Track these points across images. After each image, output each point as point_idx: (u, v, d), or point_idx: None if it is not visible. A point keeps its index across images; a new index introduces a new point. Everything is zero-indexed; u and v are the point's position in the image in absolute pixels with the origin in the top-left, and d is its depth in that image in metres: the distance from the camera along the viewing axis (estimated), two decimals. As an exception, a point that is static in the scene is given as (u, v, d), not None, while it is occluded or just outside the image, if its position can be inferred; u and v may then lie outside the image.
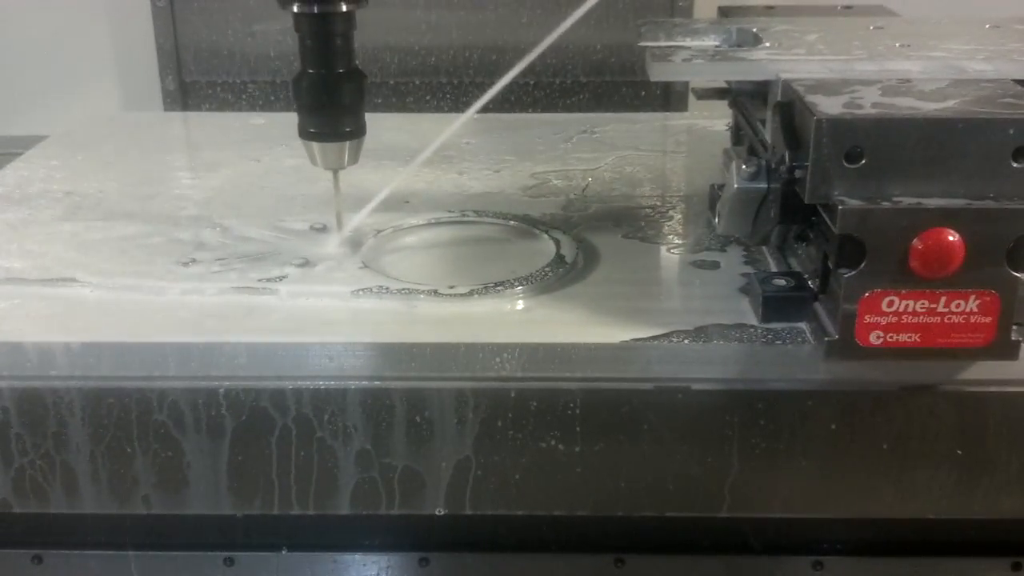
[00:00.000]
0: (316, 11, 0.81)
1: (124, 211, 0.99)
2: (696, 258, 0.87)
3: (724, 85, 0.92)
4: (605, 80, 1.72)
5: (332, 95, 0.84)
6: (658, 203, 1.00)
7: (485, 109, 0.84)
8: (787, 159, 0.69)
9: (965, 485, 0.75)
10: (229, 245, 0.90)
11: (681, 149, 1.22)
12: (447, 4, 1.66)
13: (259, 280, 0.83)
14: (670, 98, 1.73)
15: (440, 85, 1.68)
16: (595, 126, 1.26)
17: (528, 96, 1.67)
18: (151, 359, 0.74)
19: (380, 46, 1.67)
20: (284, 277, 0.83)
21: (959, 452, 0.74)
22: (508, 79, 0.83)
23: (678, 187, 1.06)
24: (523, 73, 0.80)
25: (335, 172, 0.88)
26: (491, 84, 0.84)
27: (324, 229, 0.93)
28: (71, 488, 0.76)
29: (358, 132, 0.86)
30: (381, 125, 0.99)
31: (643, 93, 1.73)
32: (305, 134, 0.86)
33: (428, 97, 1.70)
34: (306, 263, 0.86)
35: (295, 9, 0.82)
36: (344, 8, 0.82)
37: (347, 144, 0.86)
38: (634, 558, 0.84)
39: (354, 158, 0.87)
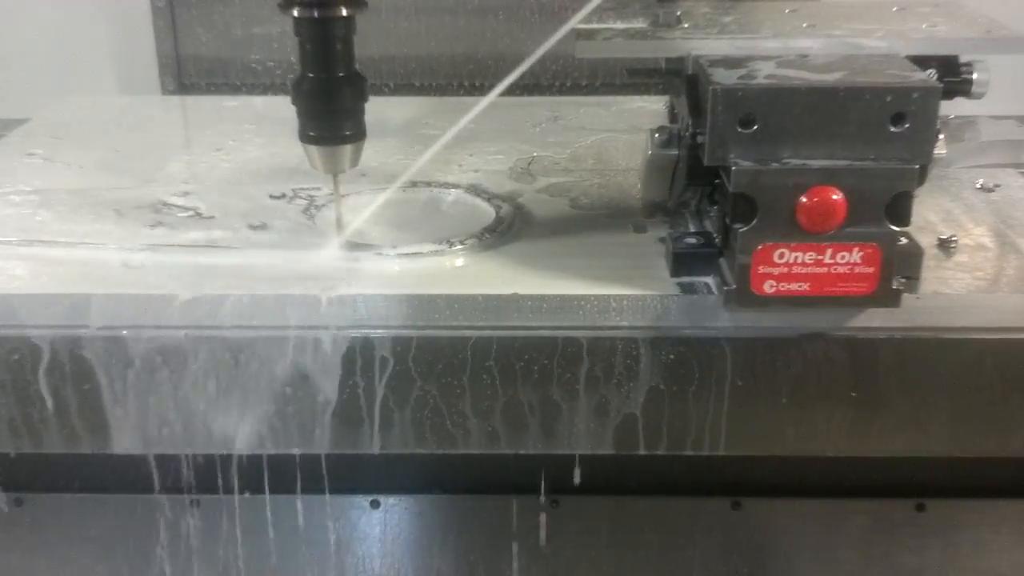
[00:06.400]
0: (316, 16, 0.81)
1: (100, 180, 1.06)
2: (627, 223, 0.94)
3: (653, 65, 0.99)
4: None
5: (332, 99, 0.84)
6: (600, 178, 1.07)
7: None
8: (690, 126, 0.76)
9: (861, 425, 0.82)
10: (191, 208, 0.98)
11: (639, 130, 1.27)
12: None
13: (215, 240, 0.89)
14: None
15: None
16: (560, 108, 1.32)
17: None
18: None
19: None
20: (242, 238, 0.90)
21: (853, 394, 0.81)
22: (502, 88, 0.85)
23: (618, 163, 1.12)
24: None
25: (335, 176, 0.89)
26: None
27: (283, 197, 1.00)
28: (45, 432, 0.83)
29: (358, 136, 0.86)
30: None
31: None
32: (305, 138, 0.85)
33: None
34: (263, 227, 0.93)
35: (295, 14, 0.82)
36: (344, 12, 0.82)
37: (348, 148, 0.86)
38: (565, 499, 0.91)
39: (354, 161, 0.87)
